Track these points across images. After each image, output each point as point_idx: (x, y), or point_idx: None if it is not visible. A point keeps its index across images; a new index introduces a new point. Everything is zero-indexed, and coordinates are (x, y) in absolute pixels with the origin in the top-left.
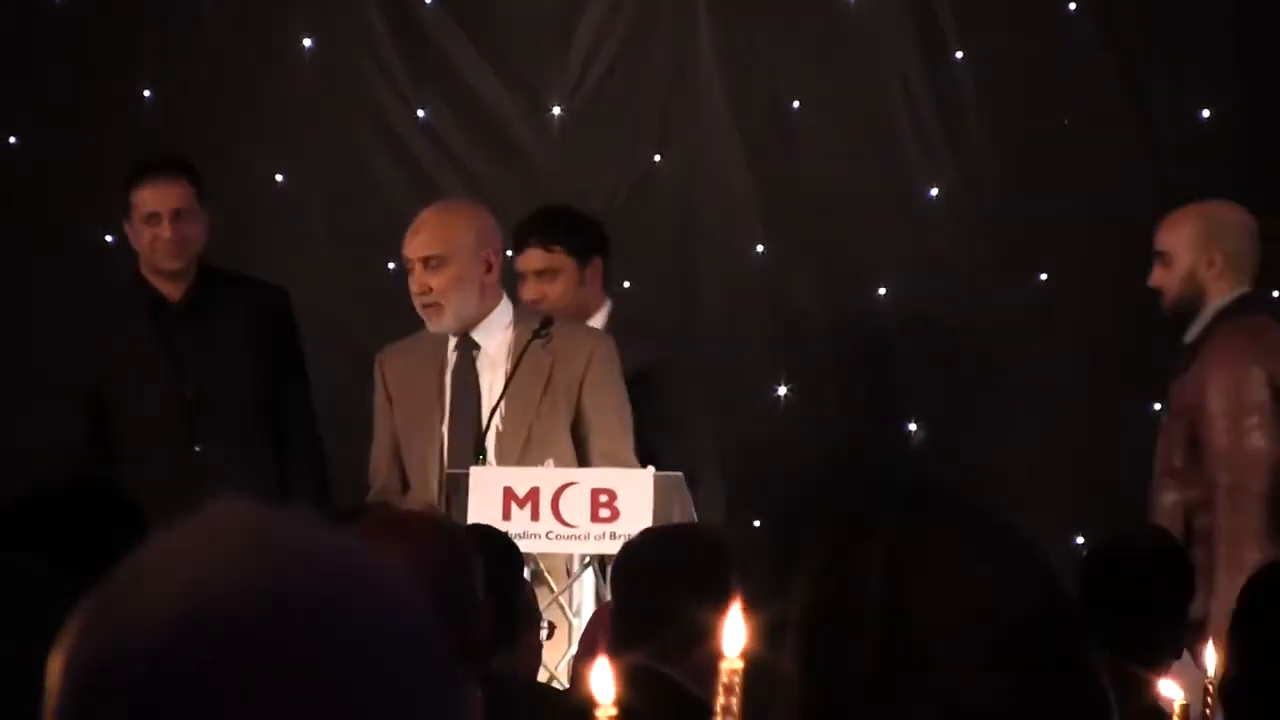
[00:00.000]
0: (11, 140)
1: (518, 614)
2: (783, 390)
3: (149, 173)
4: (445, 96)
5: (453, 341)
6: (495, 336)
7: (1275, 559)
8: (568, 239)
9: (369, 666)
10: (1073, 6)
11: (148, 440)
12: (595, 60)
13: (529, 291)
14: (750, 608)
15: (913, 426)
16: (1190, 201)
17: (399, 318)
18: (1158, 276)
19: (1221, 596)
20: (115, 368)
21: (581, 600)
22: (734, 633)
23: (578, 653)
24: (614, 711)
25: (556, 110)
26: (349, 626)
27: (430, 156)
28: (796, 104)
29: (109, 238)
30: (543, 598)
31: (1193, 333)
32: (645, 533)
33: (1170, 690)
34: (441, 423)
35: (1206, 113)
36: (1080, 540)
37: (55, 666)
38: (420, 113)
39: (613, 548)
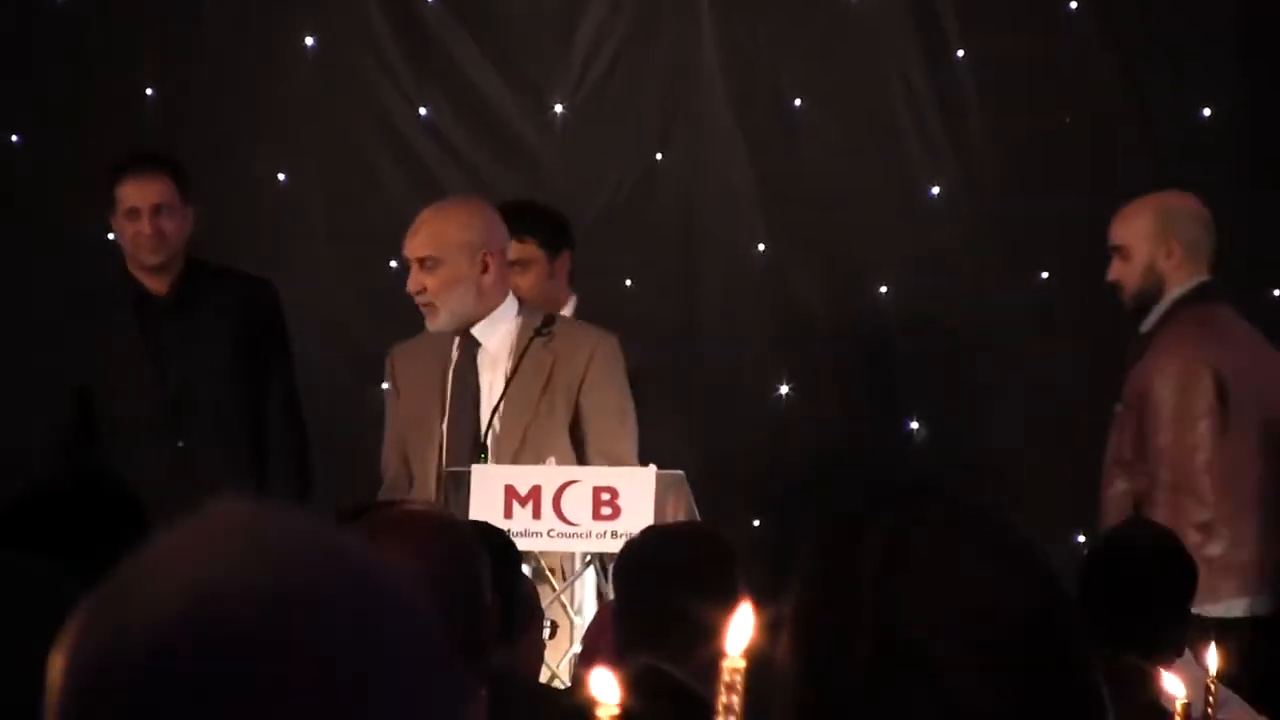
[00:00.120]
0: (13, 139)
1: (516, 612)
2: (784, 389)
3: (131, 168)
4: (447, 95)
5: (458, 339)
6: (497, 335)
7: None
8: (539, 231)
9: (369, 665)
10: (1074, 5)
11: (131, 435)
12: (597, 58)
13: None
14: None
15: (914, 425)
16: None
17: (400, 317)
18: (1117, 270)
19: None
20: (99, 363)
21: (583, 599)
22: (737, 631)
23: (580, 652)
24: (616, 711)
25: (558, 108)
26: (349, 625)
27: (432, 155)
28: (798, 102)
29: (110, 236)
30: (544, 596)
31: (1150, 322)
32: (647, 531)
33: (1173, 687)
34: (441, 421)
35: (1208, 111)
36: (1080, 539)
37: (56, 665)
38: (422, 111)
39: (614, 546)
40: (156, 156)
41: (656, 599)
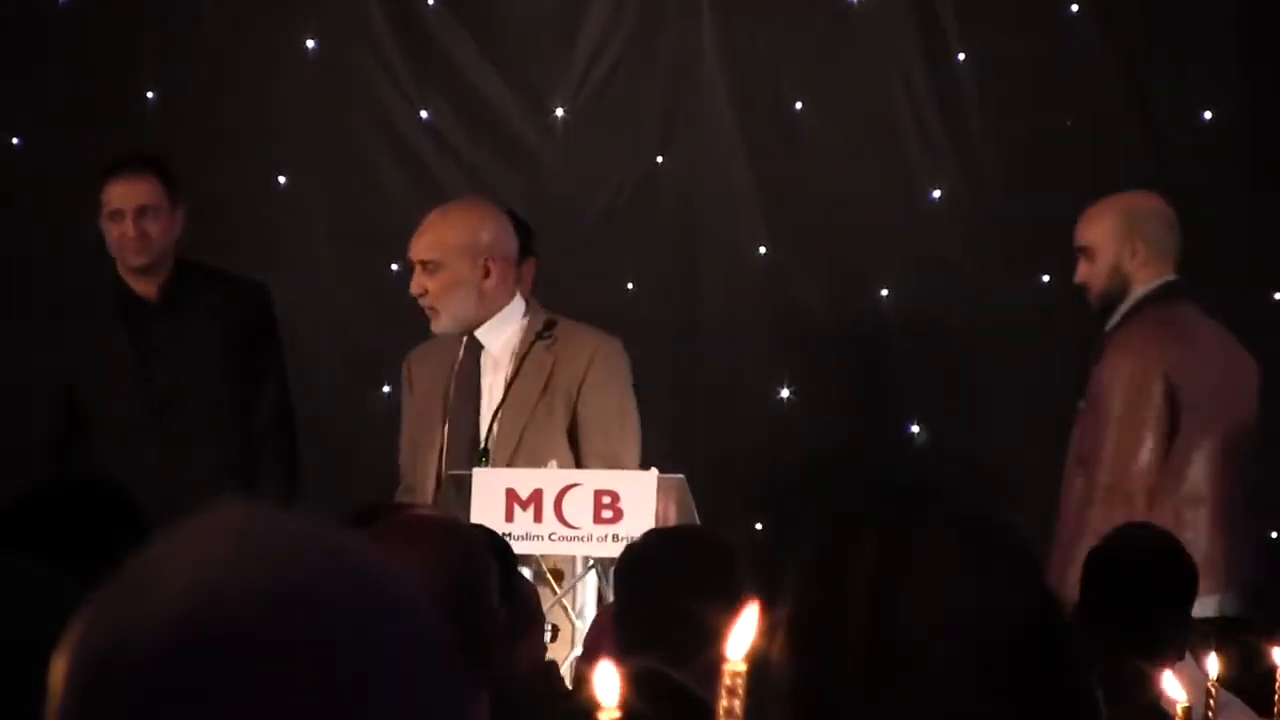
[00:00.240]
0: (14, 141)
1: (515, 615)
2: (785, 391)
3: (116, 170)
4: (448, 96)
5: (465, 342)
6: (501, 338)
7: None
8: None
9: (370, 665)
10: (1075, 7)
11: (119, 436)
12: (598, 60)
13: None
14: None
15: (914, 427)
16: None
17: (401, 319)
18: (1083, 272)
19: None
20: (87, 365)
21: (584, 602)
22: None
23: (581, 655)
24: (618, 714)
25: (560, 111)
26: (349, 625)
27: (432, 157)
28: (799, 104)
29: None
30: (546, 599)
31: (1114, 321)
32: (648, 534)
33: (1173, 690)
34: (443, 424)
35: (1209, 113)
36: None
37: (58, 668)
38: (423, 113)
39: (615, 549)
40: (143, 158)
41: (657, 602)
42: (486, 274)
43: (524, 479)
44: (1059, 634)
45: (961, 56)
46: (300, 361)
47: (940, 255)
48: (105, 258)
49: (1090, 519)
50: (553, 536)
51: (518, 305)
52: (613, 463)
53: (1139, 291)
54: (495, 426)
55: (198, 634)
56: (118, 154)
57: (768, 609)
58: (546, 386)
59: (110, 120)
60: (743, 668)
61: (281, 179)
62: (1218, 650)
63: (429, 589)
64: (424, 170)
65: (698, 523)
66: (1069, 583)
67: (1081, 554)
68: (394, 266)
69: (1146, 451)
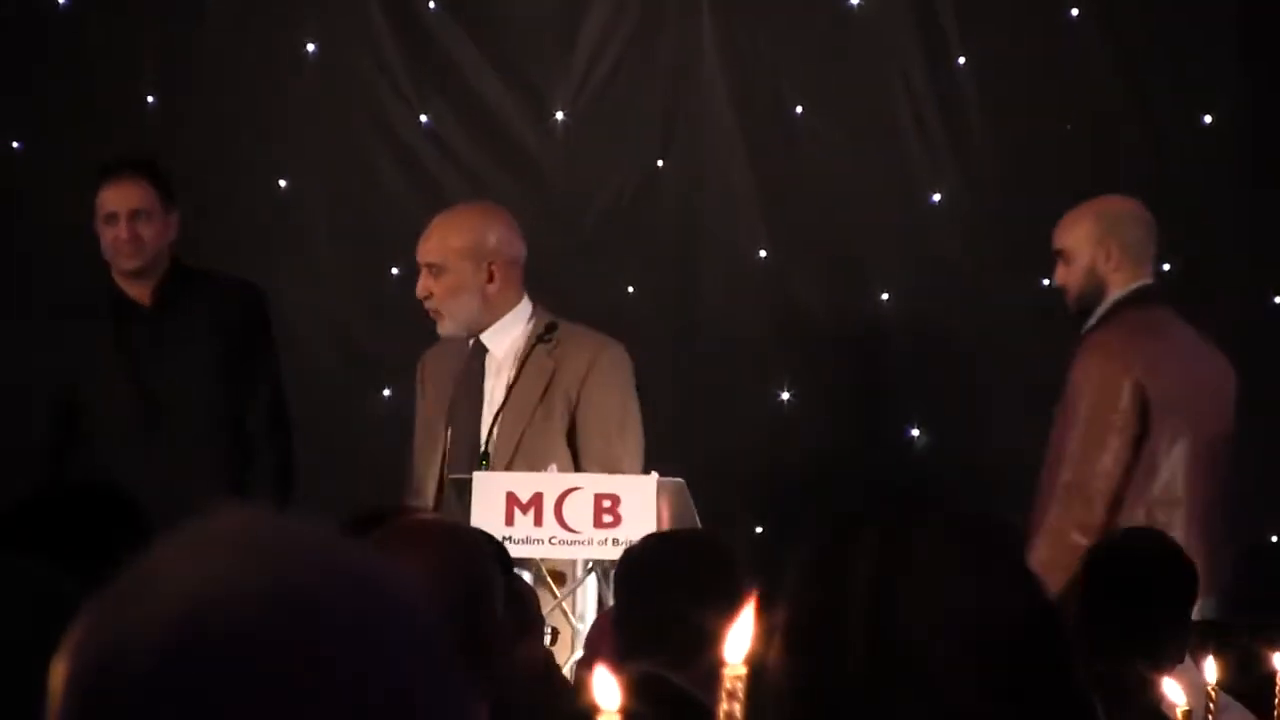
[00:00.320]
0: (14, 144)
1: (514, 618)
2: (785, 394)
3: (110, 173)
4: (448, 100)
5: (470, 345)
6: (506, 341)
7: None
8: None
9: (370, 667)
10: (1075, 10)
11: (112, 439)
12: (599, 62)
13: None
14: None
15: (915, 430)
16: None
17: (401, 322)
18: (1060, 275)
19: None
20: (81, 368)
21: (584, 606)
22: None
23: (582, 658)
24: (618, 718)
25: (560, 114)
26: (349, 627)
27: (433, 160)
28: (799, 106)
29: None
30: (546, 603)
31: (1090, 324)
32: (647, 538)
33: (1174, 694)
34: (446, 427)
35: (1209, 114)
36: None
37: (58, 670)
38: (423, 116)
39: (615, 553)
40: (137, 161)
41: (657, 605)
42: (490, 278)
43: (524, 482)
44: (1058, 635)
45: (962, 59)
46: (300, 364)
47: (940, 257)
48: (101, 261)
49: (1047, 517)
50: (553, 540)
51: (524, 309)
52: (611, 468)
53: (1115, 295)
54: (495, 430)
55: (198, 635)
56: (112, 157)
57: (767, 611)
58: (547, 390)
59: (110, 123)
60: (743, 671)
61: (282, 181)
62: (1216, 654)
63: (430, 593)
64: (424, 173)
65: (698, 525)
66: None
67: (1037, 552)
68: (394, 269)
69: (1109, 454)
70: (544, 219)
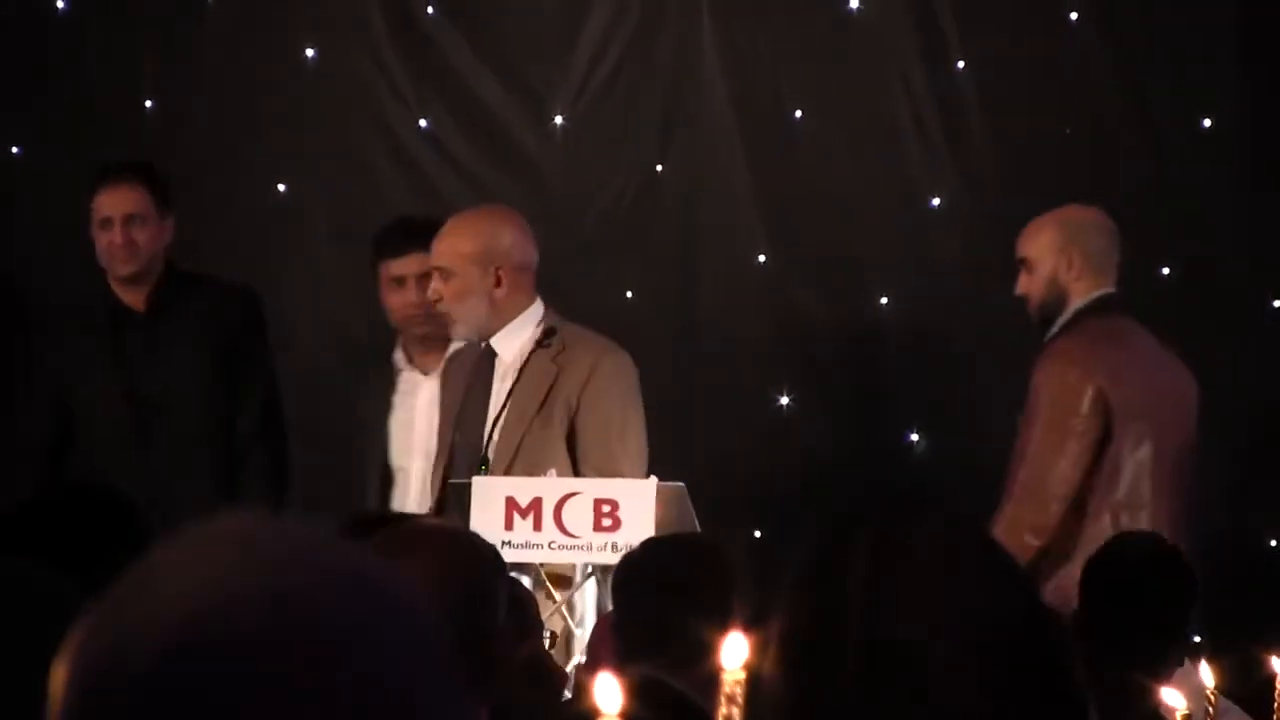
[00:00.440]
0: (14, 150)
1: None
2: (784, 399)
3: (105, 178)
4: (448, 103)
5: (481, 349)
6: (514, 346)
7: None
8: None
9: (371, 668)
10: (1074, 14)
11: (106, 445)
12: (598, 67)
13: (413, 294)
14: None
15: (914, 435)
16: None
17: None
18: (1023, 284)
19: None
20: (77, 375)
21: (584, 610)
22: (735, 644)
23: (581, 663)
24: None
25: (559, 118)
26: (350, 629)
27: (432, 163)
28: (799, 110)
29: None
30: (545, 607)
31: (1052, 332)
32: (646, 543)
33: (1172, 699)
34: (454, 430)
35: (1209, 117)
36: None
37: (58, 673)
38: (422, 120)
39: (615, 558)
40: (133, 166)
41: (656, 610)
42: (498, 283)
43: (523, 487)
44: (1055, 637)
45: (961, 62)
46: (299, 368)
47: (940, 260)
48: (98, 266)
49: (1001, 517)
50: (552, 545)
51: (534, 313)
52: (610, 475)
53: (1076, 303)
54: (495, 435)
55: (198, 636)
56: (108, 162)
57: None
58: (548, 397)
59: (110, 130)
60: (742, 676)
61: (281, 186)
62: (1215, 658)
63: (431, 597)
64: (423, 177)
65: (698, 530)
66: None
67: None
68: None
69: (1067, 458)
70: (543, 222)
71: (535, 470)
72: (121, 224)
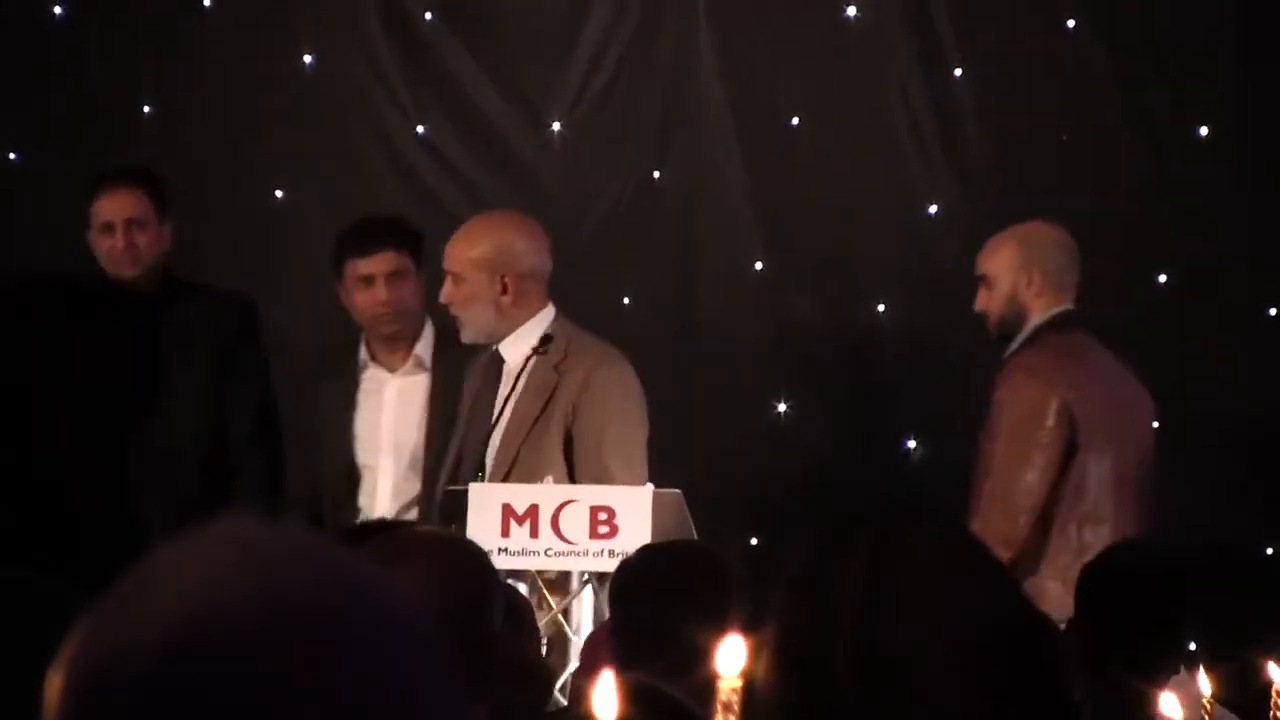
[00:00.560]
0: (10, 157)
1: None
2: (781, 406)
3: (105, 182)
4: (445, 109)
5: (490, 355)
6: (519, 352)
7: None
8: (415, 245)
9: (370, 668)
10: (1072, 21)
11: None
12: (596, 72)
13: (382, 293)
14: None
15: (911, 442)
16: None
17: None
18: (981, 300)
19: None
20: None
21: (581, 617)
22: (732, 650)
23: (577, 670)
24: None
25: (556, 123)
26: (351, 630)
27: (430, 169)
28: (796, 117)
29: None
30: (541, 614)
31: (1012, 349)
32: (643, 550)
33: (1169, 708)
34: (461, 436)
35: (1207, 125)
36: None
37: (55, 677)
38: (420, 126)
39: (612, 565)
40: (132, 171)
41: (652, 617)
42: (504, 290)
43: (520, 494)
44: (1041, 643)
45: (958, 69)
46: (298, 375)
47: (937, 270)
48: (97, 271)
49: (971, 522)
50: (549, 552)
51: (543, 319)
52: (602, 484)
53: (1036, 320)
54: (495, 442)
55: (198, 636)
56: (105, 167)
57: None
58: (546, 405)
59: (108, 136)
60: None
61: (279, 192)
62: (1212, 666)
63: (427, 603)
64: (421, 184)
65: (694, 537)
66: None
67: None
68: None
69: (1034, 470)
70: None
71: (533, 478)
72: (123, 228)
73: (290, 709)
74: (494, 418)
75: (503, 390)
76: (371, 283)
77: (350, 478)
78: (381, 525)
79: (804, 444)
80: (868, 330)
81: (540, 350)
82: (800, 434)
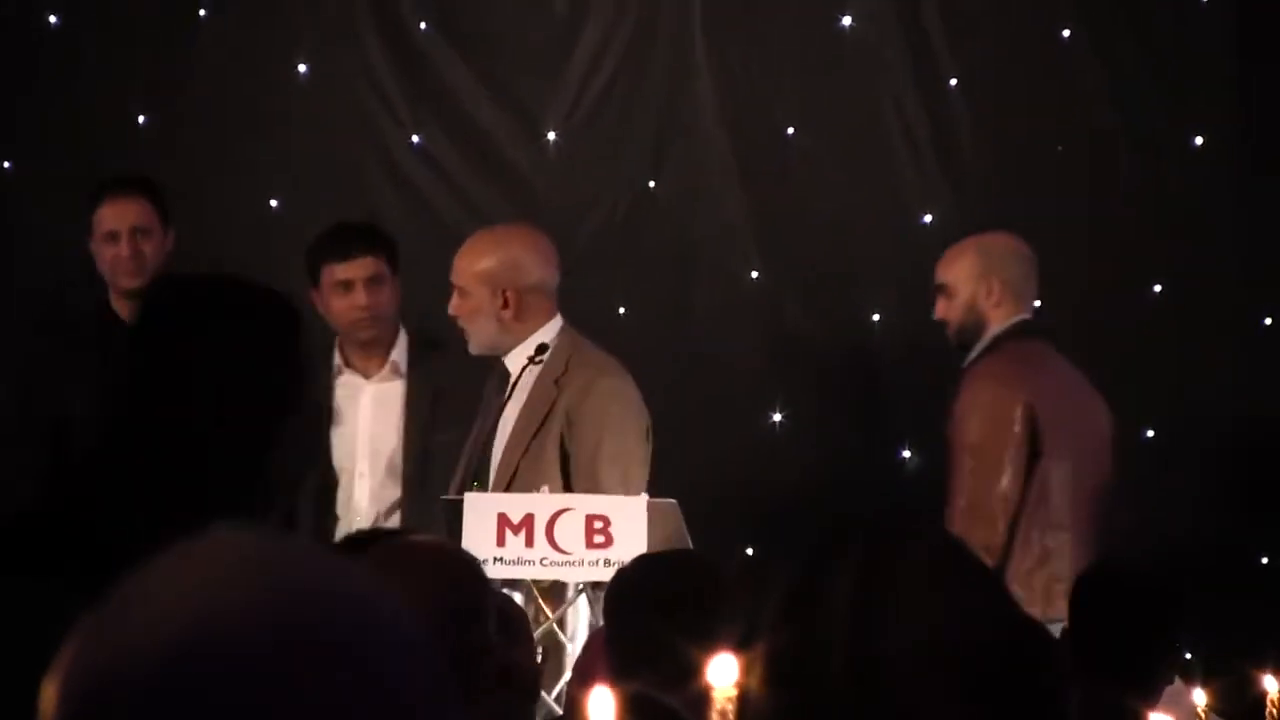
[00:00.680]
0: (4, 165)
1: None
2: (777, 416)
3: (108, 190)
4: (441, 119)
5: (498, 368)
6: (520, 365)
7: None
8: (391, 251)
9: (371, 671)
10: (1066, 32)
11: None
12: (591, 82)
13: (361, 298)
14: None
15: (907, 452)
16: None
17: None
18: (941, 309)
19: None
20: (74, 393)
21: (576, 626)
22: (726, 661)
23: (571, 679)
24: None
25: (552, 135)
26: (350, 632)
27: (426, 180)
28: (791, 129)
29: None
30: (537, 623)
31: (971, 358)
32: (638, 559)
33: None
34: (470, 447)
35: (1202, 136)
36: None
37: (50, 690)
38: (415, 136)
39: (607, 574)
40: (134, 179)
41: (647, 627)
42: (505, 304)
43: (515, 504)
44: (1035, 660)
45: (953, 80)
46: None
47: (932, 277)
48: (96, 280)
49: None
50: (544, 561)
51: (548, 331)
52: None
53: (995, 329)
54: (496, 453)
55: (199, 638)
56: (105, 176)
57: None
58: (546, 419)
59: (102, 145)
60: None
61: (274, 202)
62: (1207, 677)
63: (422, 613)
64: (416, 193)
65: (690, 547)
66: None
67: None
68: None
69: (1006, 476)
70: None
71: (531, 490)
72: (128, 236)
73: (290, 712)
74: (495, 432)
75: (502, 400)
76: (350, 288)
77: (327, 484)
78: (376, 534)
79: (800, 453)
80: (863, 340)
81: (536, 360)
82: (796, 443)
